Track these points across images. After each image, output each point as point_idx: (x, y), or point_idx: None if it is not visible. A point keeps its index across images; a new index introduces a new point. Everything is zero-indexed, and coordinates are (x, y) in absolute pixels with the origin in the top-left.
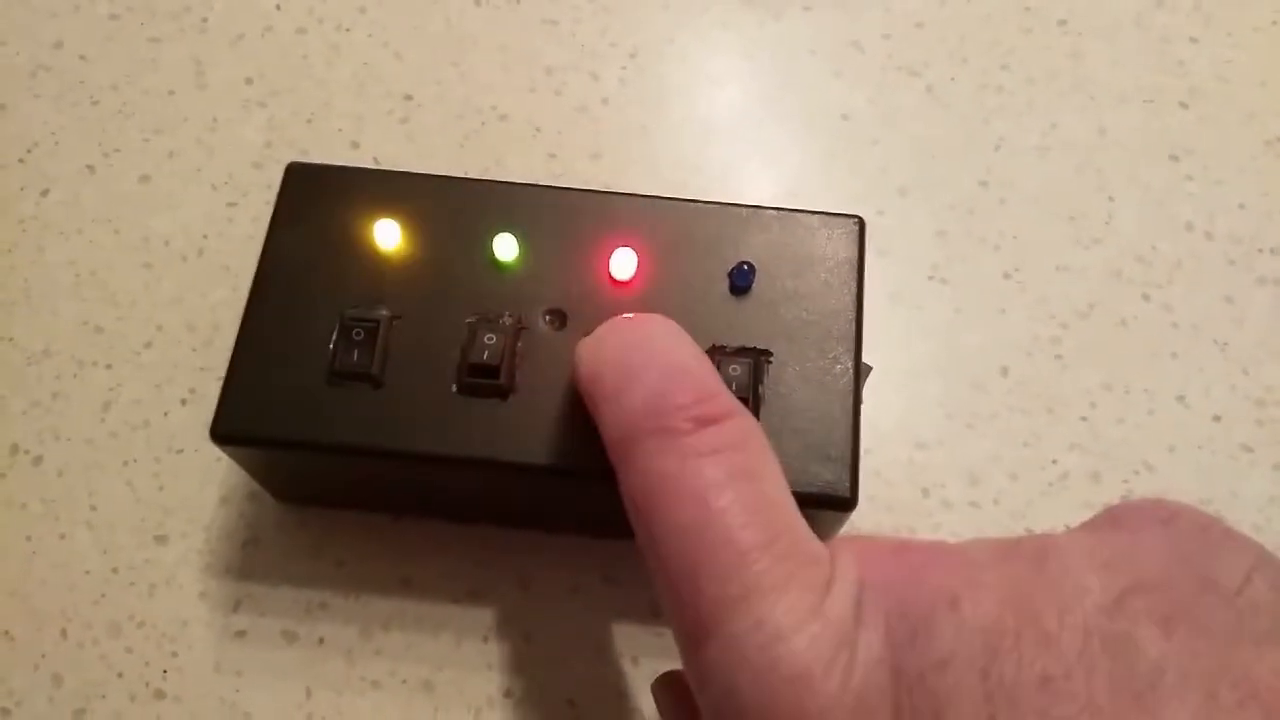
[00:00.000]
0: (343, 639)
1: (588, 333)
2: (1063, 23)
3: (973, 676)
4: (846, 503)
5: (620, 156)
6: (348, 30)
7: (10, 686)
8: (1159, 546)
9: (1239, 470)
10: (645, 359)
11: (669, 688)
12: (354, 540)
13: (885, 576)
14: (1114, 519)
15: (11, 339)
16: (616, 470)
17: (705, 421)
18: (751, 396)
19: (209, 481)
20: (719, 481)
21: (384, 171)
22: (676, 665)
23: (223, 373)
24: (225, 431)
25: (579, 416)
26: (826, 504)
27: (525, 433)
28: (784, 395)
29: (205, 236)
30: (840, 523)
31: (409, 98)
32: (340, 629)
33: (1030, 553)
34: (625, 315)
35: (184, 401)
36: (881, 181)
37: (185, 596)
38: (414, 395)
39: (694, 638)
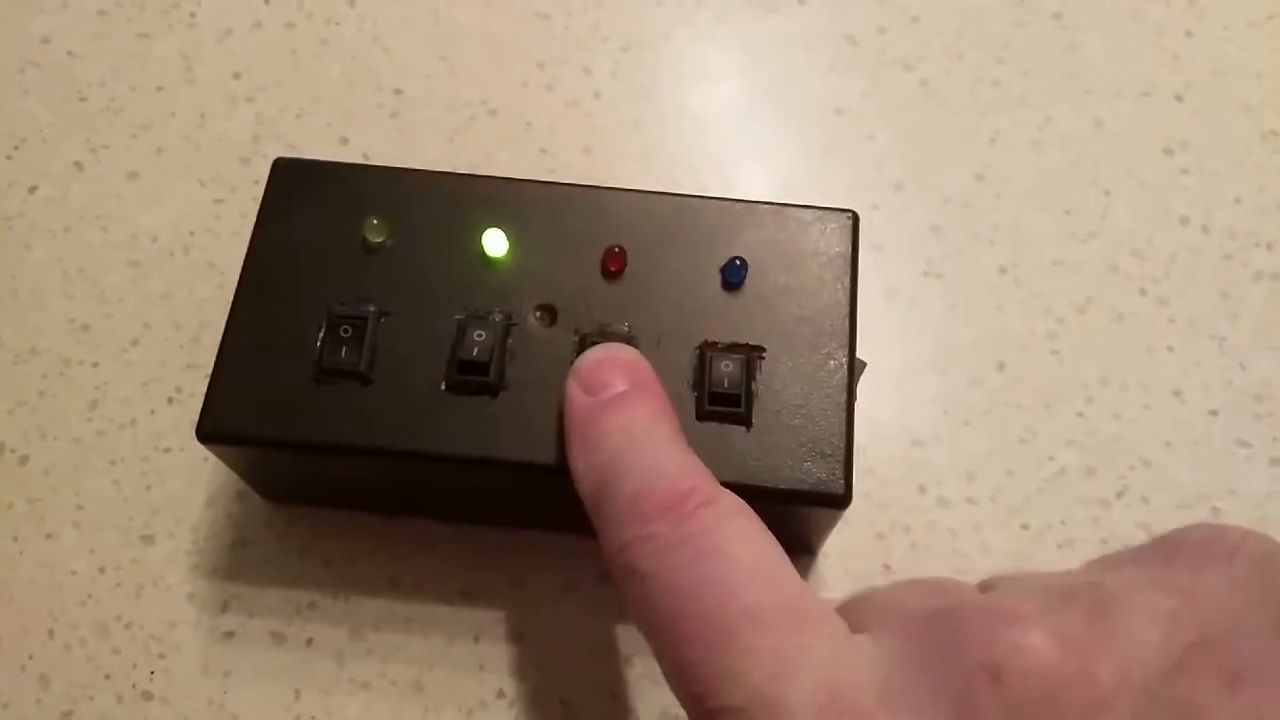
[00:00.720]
0: (332, 640)
1: (577, 330)
2: (1058, 16)
3: None
4: (840, 500)
5: (612, 151)
6: (336, 24)
7: None
8: (1222, 590)
9: (1236, 465)
10: (623, 469)
11: None
12: (343, 540)
13: (918, 651)
14: (1171, 551)
15: None
16: (615, 581)
17: (679, 520)
18: (744, 393)
19: (197, 481)
20: (691, 568)
21: (372, 166)
22: None
23: (210, 370)
24: (211, 431)
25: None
26: (820, 501)
27: (516, 430)
28: (777, 392)
29: (193, 233)
30: (834, 520)
31: (399, 92)
32: (329, 630)
33: (1085, 604)
34: (595, 396)
35: (171, 400)
36: (876, 176)
37: (173, 597)
38: (403, 393)
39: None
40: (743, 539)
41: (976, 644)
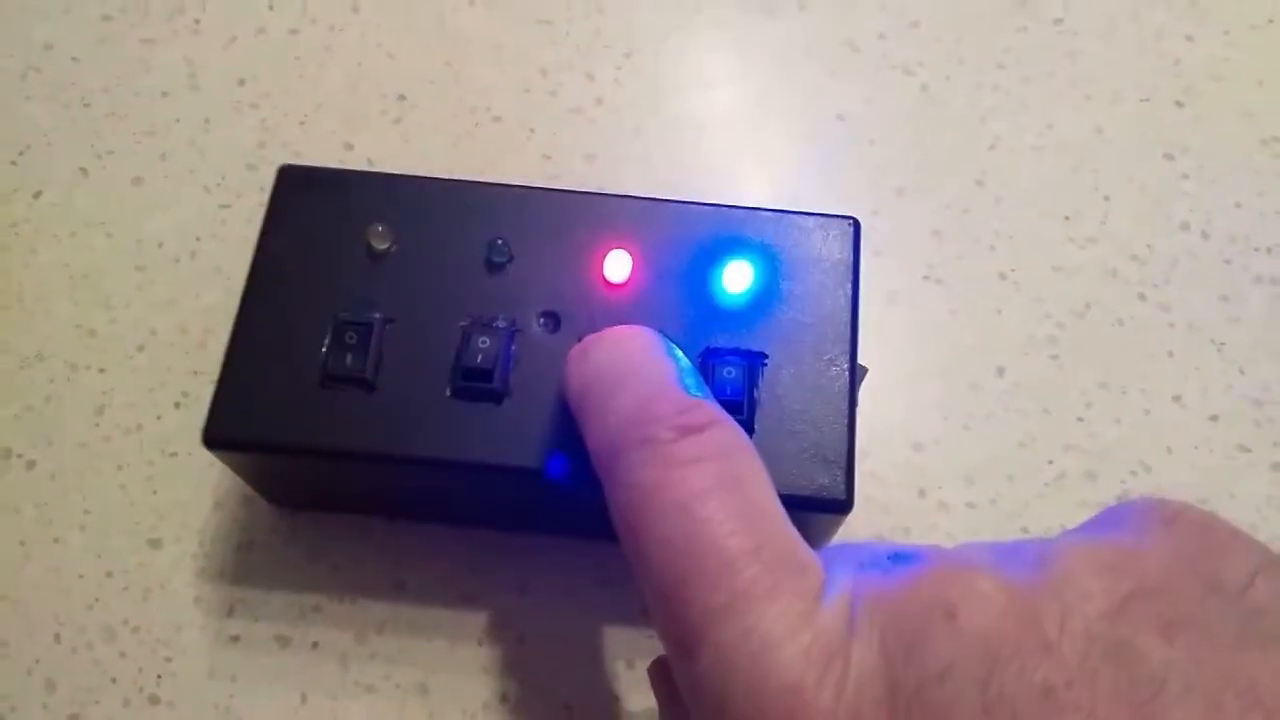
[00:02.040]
0: (337, 643)
1: (580, 337)
2: (1058, 21)
3: (972, 688)
4: (842, 505)
5: (615, 157)
6: (340, 30)
7: (3, 692)
8: (1162, 549)
9: (1236, 470)
10: (627, 371)
11: (664, 674)
12: (348, 544)
13: (880, 588)
14: (1115, 519)
15: (4, 342)
16: (603, 483)
17: (688, 430)
18: (746, 399)
19: (203, 485)
20: (703, 490)
21: (376, 174)
22: None
23: (216, 376)
24: (217, 436)
25: (573, 420)
26: (822, 507)
27: (520, 436)
28: (779, 398)
29: (198, 239)
30: (836, 525)
31: (403, 98)
32: (334, 633)
33: (1030, 558)
34: (612, 329)
35: (177, 405)
36: (877, 181)
37: (179, 601)
38: (407, 399)
39: (684, 648)
40: (753, 472)
41: (934, 585)
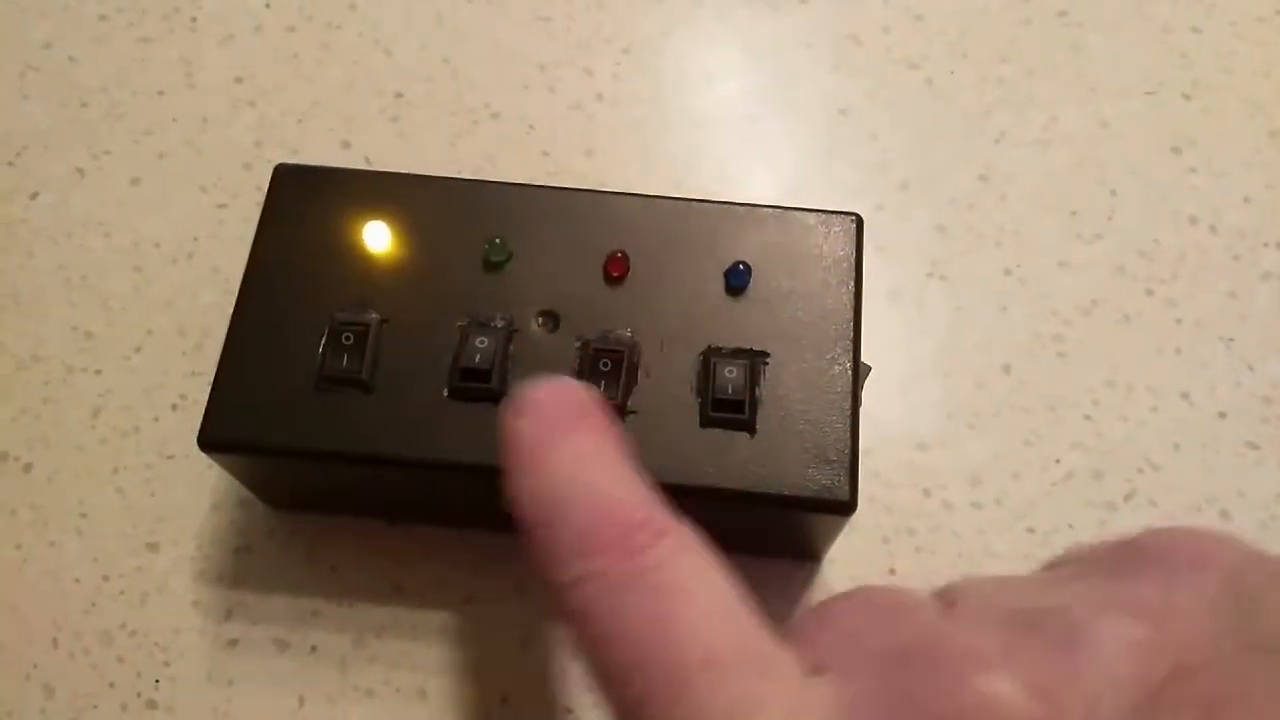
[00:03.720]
0: (336, 647)
1: (580, 336)
2: (1063, 14)
3: None
4: (846, 506)
5: (614, 154)
6: (338, 28)
7: (0, 697)
8: (1195, 609)
9: (1245, 468)
10: (570, 494)
11: None
12: (347, 547)
13: (878, 697)
14: (1137, 560)
15: (1, 344)
16: (560, 611)
17: (635, 551)
18: (748, 399)
19: (200, 488)
20: (645, 610)
21: (373, 172)
22: None
23: (213, 377)
24: (213, 439)
25: None
26: (825, 508)
27: None
28: (781, 397)
29: (195, 239)
30: (840, 526)
31: (400, 96)
32: (333, 637)
33: (1051, 637)
34: (549, 408)
35: (175, 407)
36: (880, 176)
37: (177, 605)
38: (405, 400)
39: None
40: (698, 576)
41: (941, 693)
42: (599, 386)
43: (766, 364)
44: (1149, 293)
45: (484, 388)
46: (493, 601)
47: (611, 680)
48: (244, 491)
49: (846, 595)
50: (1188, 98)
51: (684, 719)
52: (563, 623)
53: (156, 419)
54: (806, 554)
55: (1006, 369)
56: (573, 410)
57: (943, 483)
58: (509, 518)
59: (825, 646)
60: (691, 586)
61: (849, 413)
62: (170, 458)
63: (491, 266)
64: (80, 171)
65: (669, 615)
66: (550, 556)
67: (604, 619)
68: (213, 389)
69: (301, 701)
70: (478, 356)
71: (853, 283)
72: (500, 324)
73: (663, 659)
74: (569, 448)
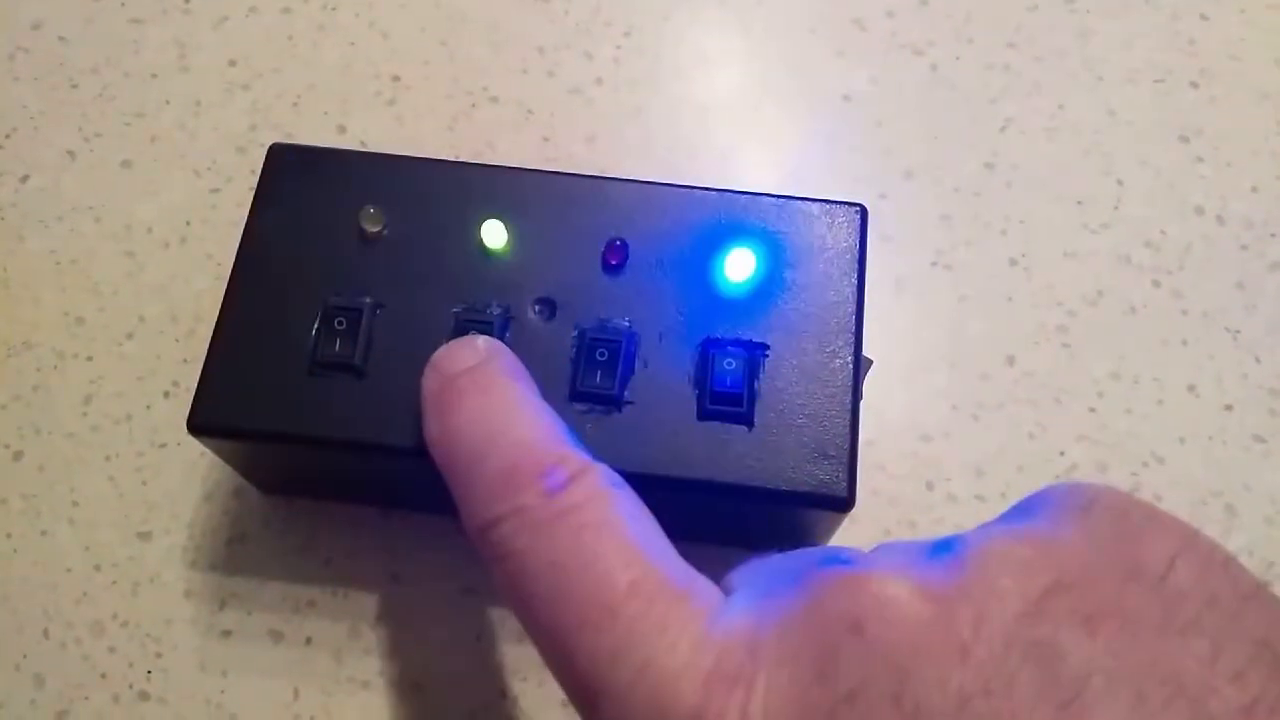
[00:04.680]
0: (331, 638)
1: (577, 324)
2: (1070, 0)
3: (885, 704)
4: (843, 503)
5: (615, 140)
6: (333, 10)
7: None
8: (1078, 538)
9: (1251, 461)
10: (487, 435)
11: None
12: (342, 536)
13: (786, 607)
14: (1032, 507)
15: None
16: (480, 555)
17: (553, 491)
18: (746, 392)
19: (193, 476)
20: (572, 544)
21: (369, 154)
22: None
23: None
24: (203, 423)
25: (567, 409)
26: (823, 504)
27: None
28: (781, 390)
29: (188, 223)
30: (838, 523)
31: (397, 79)
32: (328, 627)
33: (944, 557)
34: (460, 357)
35: (167, 394)
36: (884, 164)
37: (170, 595)
38: (397, 387)
39: (585, 702)
40: (620, 512)
41: (838, 599)
42: (595, 377)
43: (766, 356)
44: (1155, 283)
45: None
46: (490, 593)
47: (537, 615)
48: (238, 480)
49: (776, 556)
50: (1195, 86)
51: (613, 645)
52: (487, 568)
53: (149, 406)
54: (804, 548)
55: (1011, 360)
56: (476, 360)
57: (946, 475)
58: None
59: (736, 576)
60: (612, 520)
61: (849, 407)
62: (163, 446)
63: (488, 252)
64: (71, 154)
65: (593, 547)
66: (468, 501)
67: (527, 555)
68: (203, 372)
69: (296, 693)
70: None
71: (855, 275)
72: (496, 311)
73: (588, 589)
74: (476, 397)
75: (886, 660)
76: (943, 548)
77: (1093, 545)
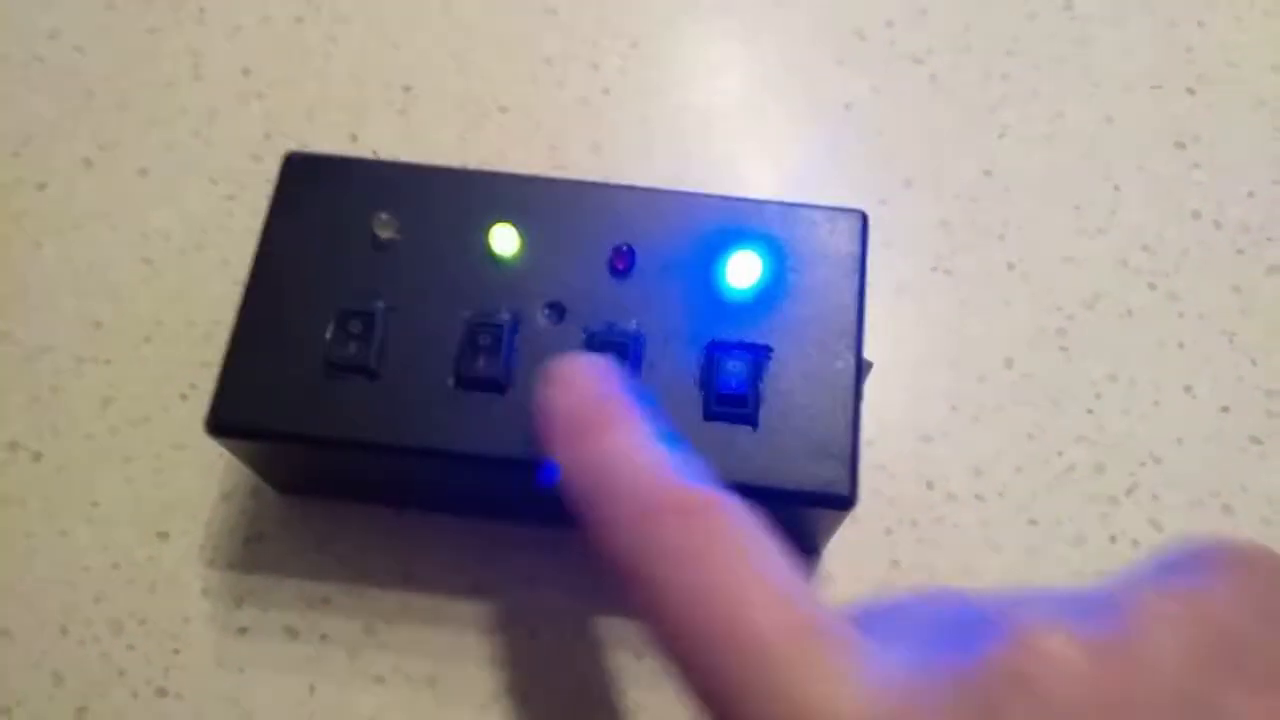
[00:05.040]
0: (346, 634)
1: (586, 328)
2: (1068, 7)
3: None
4: (845, 501)
5: (621, 148)
6: (346, 21)
7: (10, 685)
8: (1239, 597)
9: (1248, 463)
10: (621, 464)
11: None
12: (356, 535)
13: (946, 662)
14: (1179, 562)
15: (10, 334)
16: (620, 580)
17: (697, 521)
18: (750, 394)
19: (210, 477)
20: (718, 575)
21: (382, 162)
22: None
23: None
24: (221, 423)
25: None
26: (825, 503)
27: (523, 427)
28: (784, 393)
29: (204, 230)
30: (839, 521)
31: (408, 89)
32: (343, 624)
33: (1106, 613)
34: (578, 389)
35: (184, 397)
36: (885, 171)
37: (187, 593)
38: (411, 388)
39: None
40: (764, 547)
41: (1003, 652)
42: None
43: (770, 359)
44: (1152, 287)
45: (489, 378)
46: (502, 590)
47: (681, 643)
48: (254, 480)
49: (901, 595)
50: (1192, 92)
51: (765, 684)
52: (627, 588)
53: (166, 409)
54: (805, 547)
55: (1010, 363)
56: (605, 381)
57: (945, 475)
58: (515, 508)
59: (879, 625)
60: (762, 555)
61: (851, 408)
62: (180, 447)
63: (498, 258)
64: (87, 162)
65: (742, 579)
66: (605, 522)
67: (670, 582)
68: (221, 374)
69: (312, 689)
70: (483, 347)
71: (857, 279)
72: (506, 315)
73: (741, 620)
74: (613, 421)
75: (1054, 717)
76: (1096, 601)
77: (1255, 605)
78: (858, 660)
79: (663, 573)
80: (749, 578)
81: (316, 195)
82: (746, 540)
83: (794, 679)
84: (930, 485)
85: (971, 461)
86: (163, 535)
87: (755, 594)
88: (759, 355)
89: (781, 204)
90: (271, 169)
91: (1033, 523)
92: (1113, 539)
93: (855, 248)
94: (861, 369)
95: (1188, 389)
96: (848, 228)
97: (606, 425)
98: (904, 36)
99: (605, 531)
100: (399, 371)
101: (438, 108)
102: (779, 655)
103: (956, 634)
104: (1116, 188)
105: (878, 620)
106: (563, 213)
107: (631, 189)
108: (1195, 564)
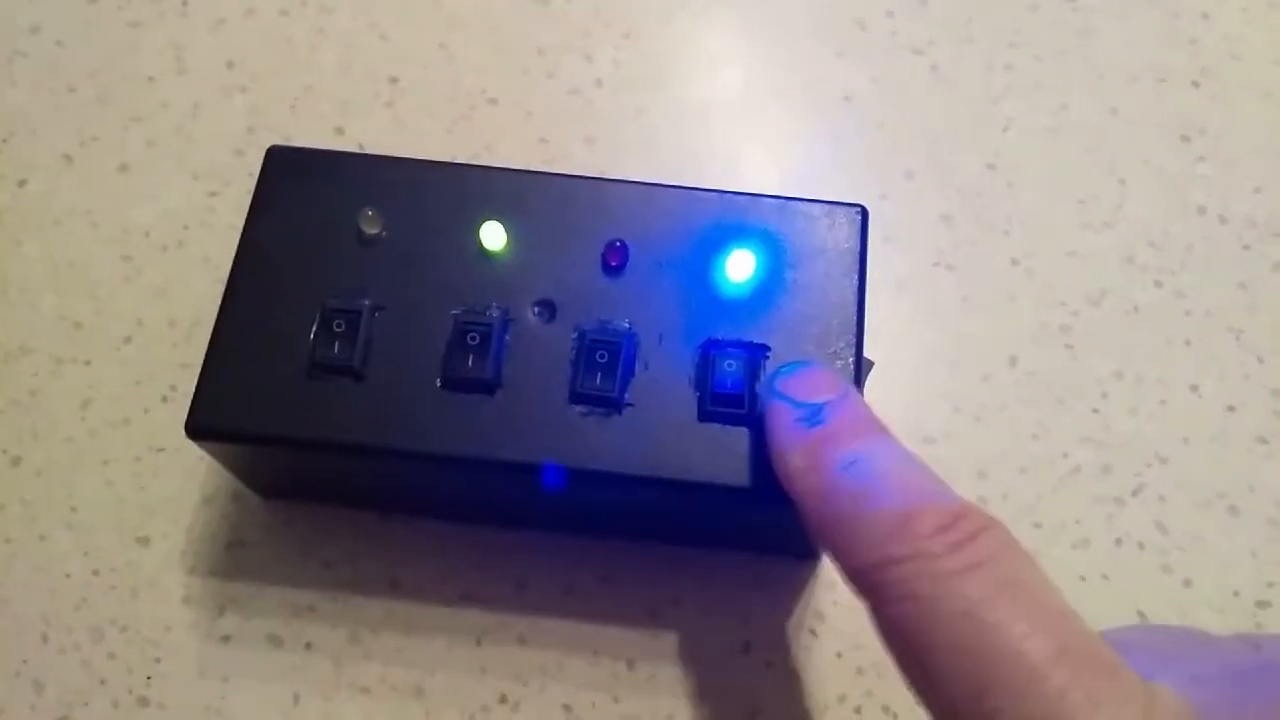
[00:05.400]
0: (331, 643)
1: (577, 327)
2: None
3: None
4: None
5: (614, 141)
6: (331, 12)
7: None
8: None
9: (1254, 462)
10: (873, 482)
11: None
12: (342, 541)
13: (1234, 701)
14: None
15: None
16: (868, 602)
17: (958, 545)
18: (748, 393)
19: (192, 481)
20: (986, 596)
21: (368, 156)
22: (674, 667)
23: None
24: (201, 426)
25: (564, 414)
26: None
27: (512, 429)
28: None
29: (186, 227)
30: None
31: (395, 81)
32: (328, 633)
33: None
34: (811, 397)
35: (165, 398)
36: (886, 165)
37: (169, 600)
38: (397, 390)
39: None
40: (1033, 573)
41: None
42: (595, 379)
43: (767, 358)
44: (1158, 283)
45: (477, 378)
46: (491, 597)
47: (942, 665)
48: (236, 485)
49: (1140, 628)
50: (1197, 85)
51: (1039, 713)
52: (866, 599)
53: (147, 411)
54: (806, 551)
55: (1013, 361)
56: (838, 394)
57: (949, 477)
58: (503, 511)
59: (1151, 662)
60: (1028, 580)
61: None
62: (161, 450)
63: (487, 253)
64: (68, 158)
65: (1011, 605)
66: (855, 539)
67: (936, 601)
68: (201, 375)
69: (296, 699)
70: (471, 346)
71: (856, 276)
72: (496, 313)
73: (1009, 648)
74: (864, 436)
75: None
76: None
77: None
78: (1136, 690)
79: (924, 589)
80: (1021, 603)
81: (300, 190)
82: (1012, 564)
83: (1067, 707)
84: None
85: (975, 463)
86: (143, 541)
87: (1029, 619)
88: (756, 354)
89: (779, 198)
90: (255, 163)
91: (1037, 525)
92: (1118, 542)
93: (855, 243)
94: (862, 368)
95: (1194, 388)
96: (847, 223)
97: (850, 428)
98: (904, 27)
99: (846, 543)
100: (385, 372)
101: (426, 100)
102: (1052, 683)
103: (1245, 668)
104: (1121, 182)
105: (1135, 647)
106: (554, 208)
107: (624, 183)
108: None
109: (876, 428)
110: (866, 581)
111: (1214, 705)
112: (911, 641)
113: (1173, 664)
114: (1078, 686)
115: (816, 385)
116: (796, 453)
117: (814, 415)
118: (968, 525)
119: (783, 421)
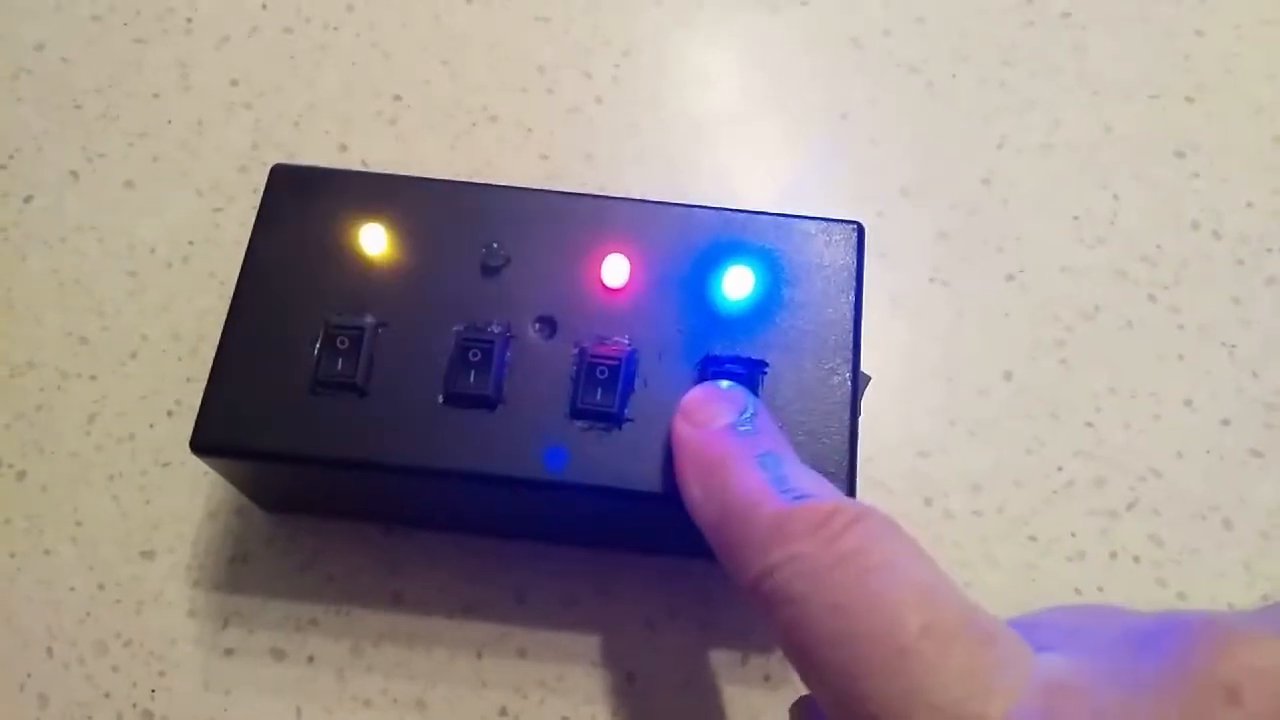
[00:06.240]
0: (333, 656)
1: (578, 343)
2: (1066, 15)
3: None
4: None
5: (614, 158)
6: (335, 29)
7: None
8: None
9: (1248, 476)
10: (755, 494)
11: (807, 715)
12: (344, 554)
13: (1135, 669)
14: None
15: None
16: (760, 616)
17: (829, 540)
18: None
19: (196, 495)
20: (853, 587)
21: (371, 174)
22: (673, 679)
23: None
24: (206, 442)
25: (565, 426)
26: None
27: (513, 444)
28: (780, 408)
29: (191, 243)
30: None
31: (398, 98)
32: (331, 646)
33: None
34: (708, 422)
35: (170, 413)
36: (881, 182)
37: (173, 614)
38: (399, 405)
39: None
40: (904, 554)
41: (1209, 662)
42: (596, 394)
43: (765, 373)
44: (1152, 298)
45: (479, 394)
46: (492, 609)
47: (822, 659)
48: (241, 499)
49: (1059, 607)
50: (1191, 101)
51: (907, 687)
52: (760, 612)
53: (152, 425)
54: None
55: (1008, 375)
56: (736, 415)
57: (944, 491)
58: (505, 525)
59: (1045, 634)
60: (897, 562)
61: (847, 424)
62: (166, 465)
63: (489, 271)
64: (74, 174)
65: (878, 589)
66: (739, 552)
67: (808, 600)
68: (206, 391)
69: (299, 711)
70: (473, 362)
71: (853, 292)
72: (497, 330)
73: (881, 629)
74: (742, 451)
75: None
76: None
77: None
78: (1015, 658)
79: (798, 589)
80: (887, 586)
81: (303, 208)
82: (881, 549)
83: (935, 680)
84: (928, 502)
85: (969, 477)
86: (148, 554)
87: (895, 600)
88: (754, 370)
89: (776, 215)
90: (259, 180)
91: (1032, 539)
92: (1113, 555)
93: (851, 259)
94: (858, 383)
95: (1188, 402)
96: (844, 239)
97: (730, 448)
98: (900, 46)
99: (733, 558)
100: (388, 388)
101: (428, 117)
102: (919, 659)
103: (1152, 637)
104: (1115, 197)
105: (1036, 630)
106: (554, 225)
107: (624, 200)
108: None
109: (762, 436)
110: (756, 597)
111: (1106, 670)
112: (795, 643)
113: (1078, 636)
114: (947, 658)
115: (716, 407)
116: (690, 467)
117: (704, 431)
118: (839, 520)
119: (680, 437)
